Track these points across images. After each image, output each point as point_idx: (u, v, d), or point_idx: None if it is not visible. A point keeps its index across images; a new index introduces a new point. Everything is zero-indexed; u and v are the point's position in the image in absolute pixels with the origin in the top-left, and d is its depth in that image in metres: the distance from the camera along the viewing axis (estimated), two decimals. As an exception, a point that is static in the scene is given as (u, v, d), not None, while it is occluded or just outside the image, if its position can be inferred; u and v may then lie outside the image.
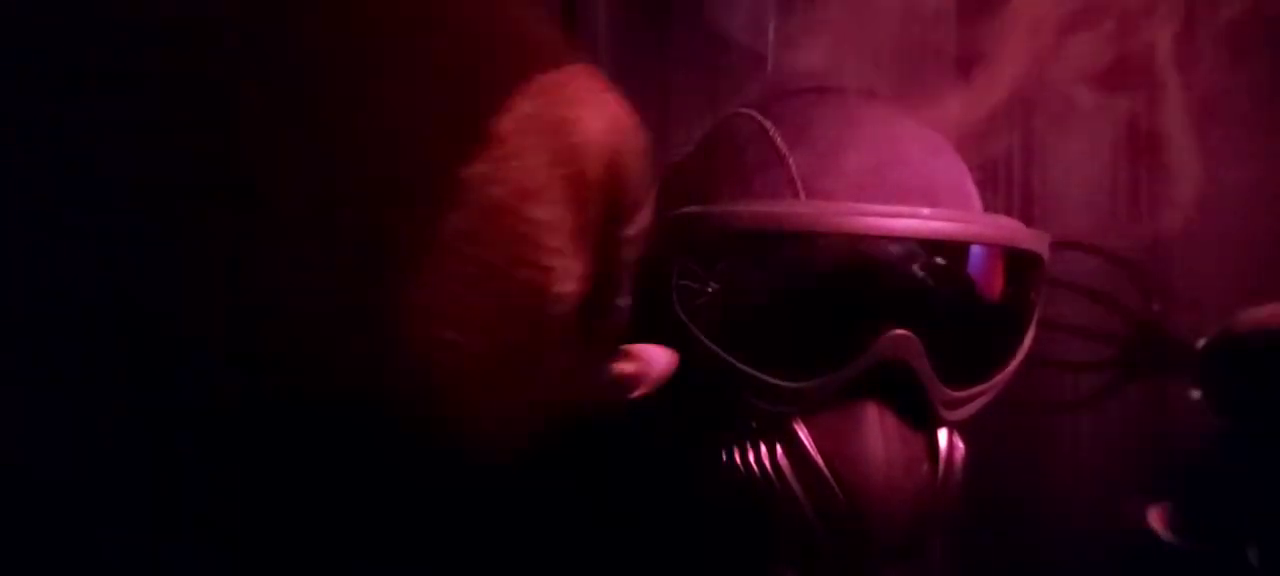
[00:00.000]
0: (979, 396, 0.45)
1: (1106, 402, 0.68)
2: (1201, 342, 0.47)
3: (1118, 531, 0.71)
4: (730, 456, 0.43)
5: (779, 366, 0.41)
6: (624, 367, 0.37)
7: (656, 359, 0.38)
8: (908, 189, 0.42)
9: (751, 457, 0.42)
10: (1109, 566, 0.71)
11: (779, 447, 0.42)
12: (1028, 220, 0.71)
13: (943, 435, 0.44)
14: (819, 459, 0.41)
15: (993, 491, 0.73)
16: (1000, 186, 0.71)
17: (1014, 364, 0.45)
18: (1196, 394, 0.45)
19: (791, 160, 0.43)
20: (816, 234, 0.40)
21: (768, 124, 0.45)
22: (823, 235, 0.40)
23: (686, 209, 0.44)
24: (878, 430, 0.41)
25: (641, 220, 0.32)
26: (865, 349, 0.40)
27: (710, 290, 0.43)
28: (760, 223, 0.41)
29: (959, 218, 0.41)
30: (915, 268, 0.41)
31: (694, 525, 0.53)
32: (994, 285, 0.43)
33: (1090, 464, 0.71)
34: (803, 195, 0.42)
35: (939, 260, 0.41)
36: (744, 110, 0.48)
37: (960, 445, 0.45)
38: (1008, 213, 0.71)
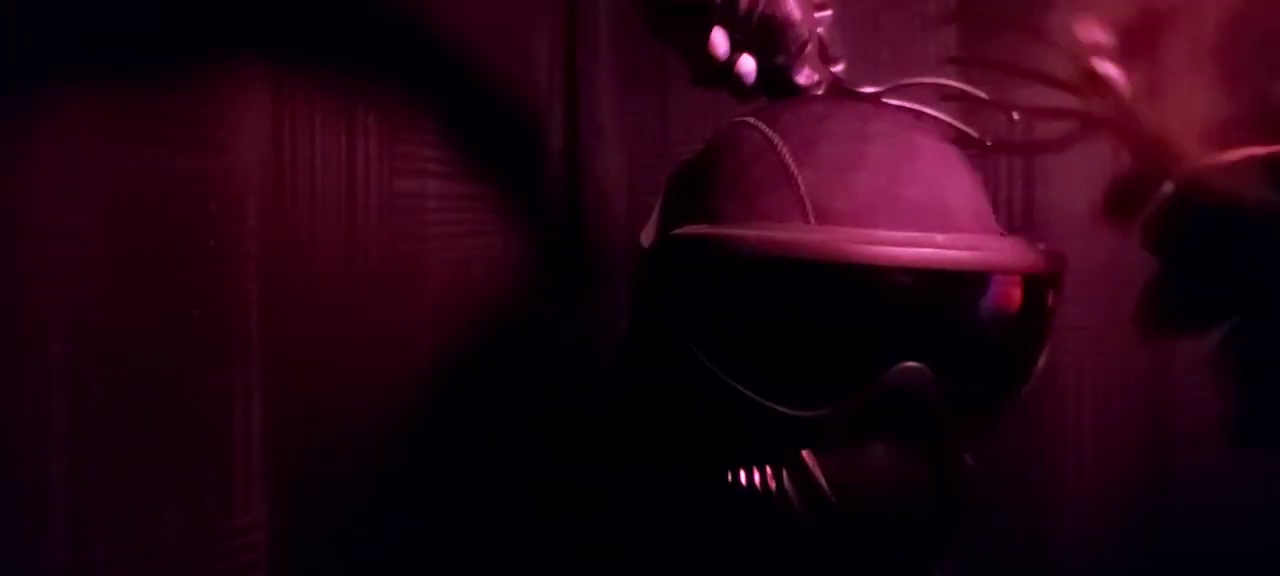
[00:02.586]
0: (991, 423, 0.44)
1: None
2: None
3: (1119, 532, 0.71)
4: (735, 479, 0.42)
5: (785, 395, 0.40)
6: None
7: None
8: (920, 209, 0.40)
9: (757, 481, 0.41)
10: (1109, 567, 0.71)
11: (785, 473, 0.41)
12: (1028, 213, 0.71)
13: (953, 464, 0.42)
14: (826, 487, 0.40)
15: (992, 492, 0.73)
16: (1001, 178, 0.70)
17: (1027, 388, 0.44)
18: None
19: (800, 179, 0.41)
20: (825, 263, 0.38)
21: (775, 137, 0.43)
22: (832, 264, 0.38)
23: (690, 229, 0.42)
24: (887, 461, 0.40)
25: None
26: (874, 381, 0.39)
27: (714, 314, 0.41)
28: (768, 248, 0.39)
29: (974, 244, 0.39)
30: (928, 296, 0.39)
31: (699, 547, 0.52)
32: (1008, 311, 0.42)
33: (1093, 465, 0.71)
34: (812, 218, 0.40)
35: (953, 288, 0.40)
36: (750, 120, 0.46)
37: (969, 467, 0.44)
38: (1009, 206, 0.71)
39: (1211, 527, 0.67)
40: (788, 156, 0.42)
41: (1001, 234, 0.45)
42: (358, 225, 0.61)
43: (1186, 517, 0.68)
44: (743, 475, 0.42)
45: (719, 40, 0.46)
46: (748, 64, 0.48)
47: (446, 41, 0.65)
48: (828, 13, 0.51)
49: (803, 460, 0.40)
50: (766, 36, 0.48)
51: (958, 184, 0.43)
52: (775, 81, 0.51)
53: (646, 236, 0.48)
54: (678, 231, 0.43)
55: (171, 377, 0.52)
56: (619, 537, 0.64)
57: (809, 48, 0.49)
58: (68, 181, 0.48)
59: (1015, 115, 0.50)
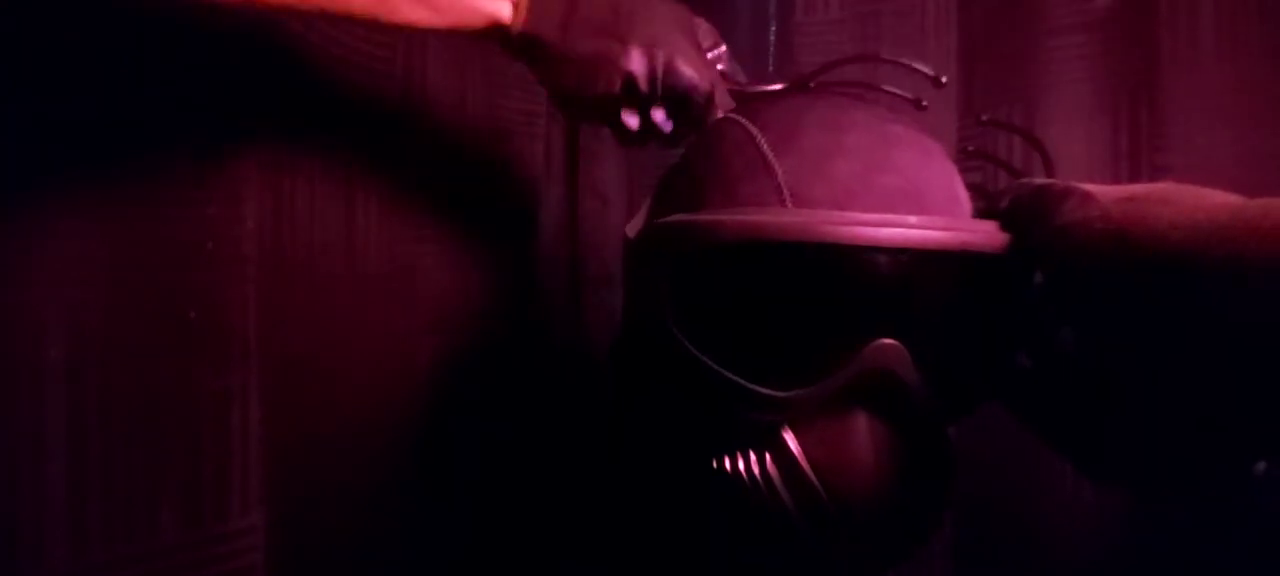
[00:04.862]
0: (965, 402, 0.44)
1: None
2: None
3: (1116, 537, 0.71)
4: (720, 464, 0.43)
5: (766, 376, 0.41)
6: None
7: None
8: (896, 195, 0.41)
9: (741, 465, 0.42)
10: (1110, 561, 0.71)
11: (768, 456, 0.41)
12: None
13: (933, 443, 0.43)
14: (807, 468, 0.40)
15: (988, 498, 0.73)
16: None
17: (998, 368, 0.44)
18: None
19: (778, 167, 0.42)
20: (802, 244, 0.39)
21: (754, 130, 0.44)
22: (808, 245, 0.39)
23: (673, 217, 0.43)
24: (867, 439, 0.40)
25: None
26: (851, 359, 0.40)
27: (697, 299, 0.42)
28: (745, 232, 0.40)
29: (946, 226, 0.40)
30: (903, 277, 0.40)
31: (686, 530, 0.53)
32: (980, 292, 0.42)
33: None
34: (789, 203, 0.41)
35: (927, 268, 0.40)
36: (732, 115, 0.47)
37: (952, 452, 0.44)
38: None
39: (1209, 531, 0.67)
40: (766, 147, 0.43)
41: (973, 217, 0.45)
42: (357, 228, 0.61)
43: (1185, 522, 0.68)
44: (728, 461, 0.42)
45: (629, 118, 0.51)
46: (660, 115, 0.52)
47: (447, 45, 0.65)
48: (722, 49, 0.56)
49: (785, 443, 0.41)
50: (675, 101, 0.51)
51: (934, 173, 0.44)
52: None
53: (632, 229, 0.49)
54: (660, 220, 0.44)
55: (169, 380, 0.52)
56: (617, 536, 0.64)
57: (714, 96, 0.52)
58: (66, 186, 0.48)
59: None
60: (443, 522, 0.65)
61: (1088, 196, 0.39)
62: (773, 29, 0.78)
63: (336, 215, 0.60)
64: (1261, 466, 0.37)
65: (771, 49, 0.78)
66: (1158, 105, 0.70)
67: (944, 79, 0.52)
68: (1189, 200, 0.36)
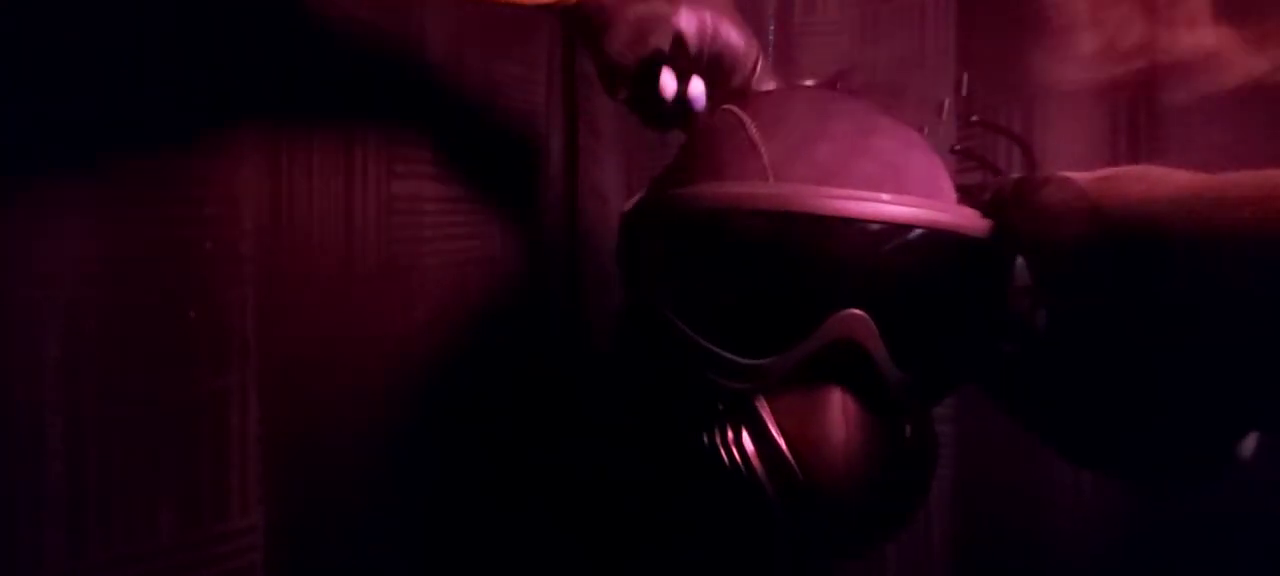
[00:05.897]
0: (938, 384, 0.45)
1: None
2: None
3: (1117, 544, 0.71)
4: (697, 438, 0.44)
5: (738, 344, 0.42)
6: None
7: None
8: (876, 179, 0.42)
9: (718, 439, 0.43)
10: (1109, 561, 0.71)
11: (744, 429, 0.42)
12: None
13: (910, 425, 0.44)
14: (780, 440, 0.42)
15: (993, 487, 0.73)
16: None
17: (973, 353, 0.45)
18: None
19: (764, 151, 0.43)
20: (775, 214, 0.40)
21: (745, 117, 0.45)
22: (781, 214, 0.40)
23: (661, 193, 0.45)
24: (839, 414, 0.41)
25: None
26: (817, 327, 0.41)
27: (679, 270, 0.44)
28: (723, 203, 0.41)
29: (919, 204, 0.41)
30: (873, 251, 0.41)
31: (673, 503, 0.54)
32: (953, 273, 0.43)
33: (1089, 478, 0.70)
34: (772, 181, 0.42)
35: (898, 245, 0.41)
36: (726, 107, 0.48)
37: (931, 438, 0.45)
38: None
39: (1211, 537, 0.67)
40: (754, 132, 0.44)
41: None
42: (355, 227, 0.61)
43: (1186, 528, 0.68)
44: (706, 435, 0.43)
45: (667, 81, 0.51)
46: (698, 87, 0.52)
47: (446, 44, 0.65)
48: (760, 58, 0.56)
49: (760, 415, 0.42)
50: (719, 67, 0.51)
51: (915, 161, 0.45)
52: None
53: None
54: (646, 197, 0.46)
55: (168, 380, 0.52)
56: (617, 534, 0.64)
57: (761, 62, 0.52)
58: (65, 185, 0.49)
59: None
60: (442, 522, 0.65)
61: (1066, 180, 0.41)
62: (772, 29, 0.78)
63: (335, 215, 0.60)
64: (1251, 442, 0.37)
65: (771, 49, 0.78)
66: (1156, 106, 0.70)
67: (974, 118, 0.53)
68: (1159, 177, 0.39)
